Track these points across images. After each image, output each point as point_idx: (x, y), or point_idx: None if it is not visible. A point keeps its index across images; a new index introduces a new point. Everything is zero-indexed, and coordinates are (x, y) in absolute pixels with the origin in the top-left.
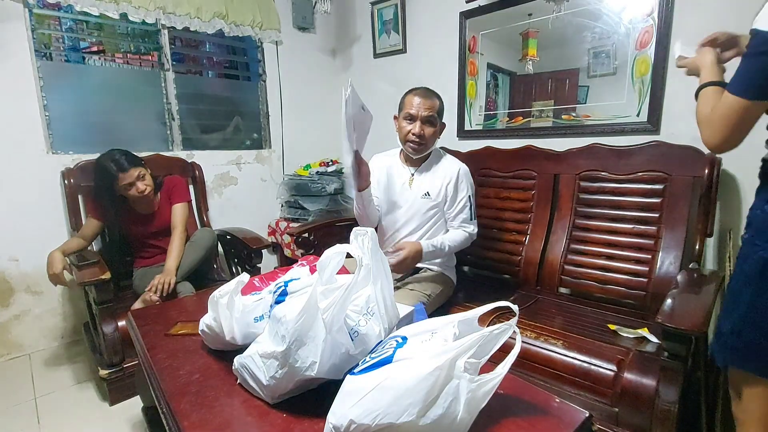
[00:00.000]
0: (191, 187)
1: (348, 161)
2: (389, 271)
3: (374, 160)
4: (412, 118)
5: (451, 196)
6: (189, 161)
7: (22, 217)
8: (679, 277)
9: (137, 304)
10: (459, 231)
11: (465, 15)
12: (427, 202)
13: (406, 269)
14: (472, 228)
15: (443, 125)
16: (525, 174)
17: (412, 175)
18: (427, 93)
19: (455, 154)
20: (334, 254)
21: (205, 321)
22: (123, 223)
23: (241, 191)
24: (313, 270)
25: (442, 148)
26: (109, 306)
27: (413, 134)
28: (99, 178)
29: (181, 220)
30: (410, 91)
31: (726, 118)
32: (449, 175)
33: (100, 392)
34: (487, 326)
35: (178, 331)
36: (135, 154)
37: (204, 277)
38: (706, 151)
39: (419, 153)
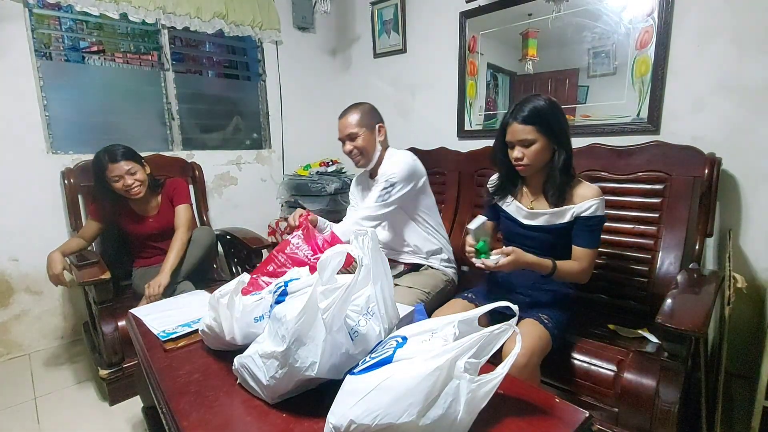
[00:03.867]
0: (191, 187)
1: None
2: (389, 270)
3: (353, 181)
4: (342, 141)
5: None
6: (189, 161)
7: (22, 217)
8: (679, 277)
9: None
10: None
11: (465, 15)
12: None
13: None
14: (369, 209)
15: (380, 127)
16: None
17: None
18: (346, 111)
19: (455, 154)
20: (334, 254)
21: (206, 321)
22: (123, 224)
23: (241, 191)
24: (313, 270)
25: (441, 148)
26: (109, 306)
27: (347, 153)
28: (93, 169)
29: (185, 220)
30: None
31: (593, 264)
32: (391, 162)
33: (100, 392)
34: (487, 326)
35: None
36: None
37: (204, 277)
38: (706, 150)
39: (367, 164)
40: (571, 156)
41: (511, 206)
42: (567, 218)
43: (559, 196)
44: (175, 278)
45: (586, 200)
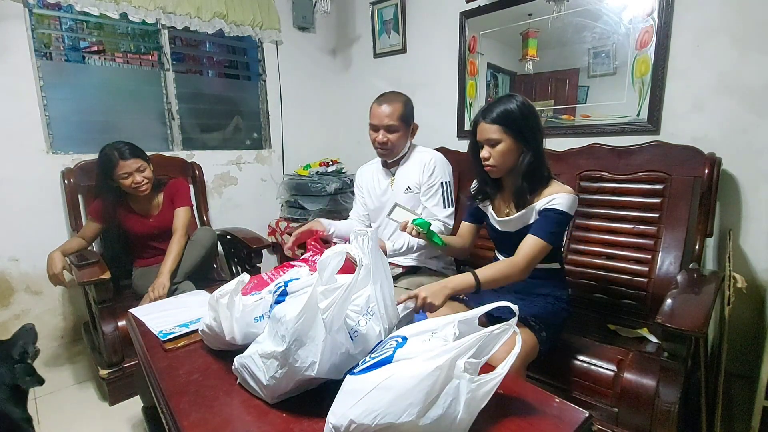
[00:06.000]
0: (191, 187)
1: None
2: (389, 271)
3: (359, 173)
4: (376, 129)
5: (425, 182)
6: (189, 161)
7: (22, 217)
8: (679, 277)
9: None
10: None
11: (465, 15)
12: (410, 197)
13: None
14: (444, 215)
15: (414, 126)
16: None
17: (393, 176)
18: (388, 99)
19: (455, 154)
20: (334, 254)
21: (205, 321)
22: (124, 224)
23: (241, 191)
24: (313, 270)
25: (441, 148)
26: (109, 305)
27: (378, 143)
28: (100, 166)
29: (183, 223)
30: (375, 100)
31: (533, 258)
32: (424, 163)
33: (100, 392)
34: (488, 326)
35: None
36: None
37: (204, 277)
38: (706, 150)
39: (390, 157)
40: (541, 159)
41: (489, 210)
42: (533, 217)
43: (520, 199)
44: (173, 279)
45: (551, 195)
